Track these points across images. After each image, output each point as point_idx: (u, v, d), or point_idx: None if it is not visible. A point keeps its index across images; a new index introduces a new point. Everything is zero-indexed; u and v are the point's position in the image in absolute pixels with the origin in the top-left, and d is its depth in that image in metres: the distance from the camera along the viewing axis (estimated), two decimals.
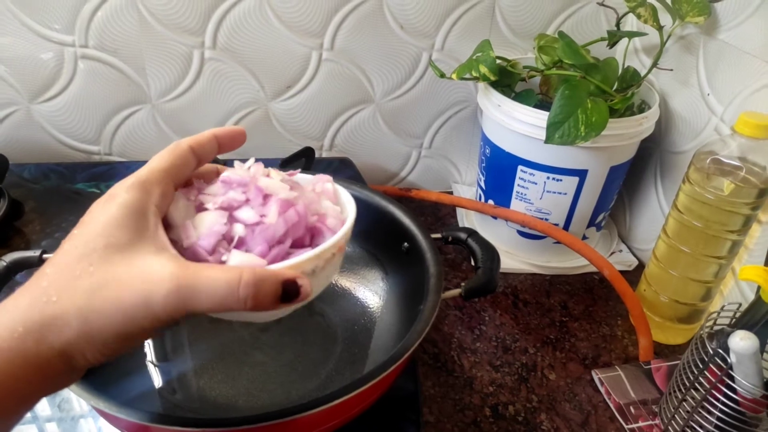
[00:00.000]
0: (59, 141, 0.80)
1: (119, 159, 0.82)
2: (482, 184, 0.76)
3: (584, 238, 0.74)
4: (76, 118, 0.78)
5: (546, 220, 0.71)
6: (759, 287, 0.46)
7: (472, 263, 0.73)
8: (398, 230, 0.52)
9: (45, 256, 0.47)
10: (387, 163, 0.88)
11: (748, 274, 0.46)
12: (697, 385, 0.49)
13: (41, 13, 0.69)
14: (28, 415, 0.51)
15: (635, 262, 0.76)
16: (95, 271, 0.27)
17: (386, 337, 0.52)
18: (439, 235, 0.52)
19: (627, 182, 0.75)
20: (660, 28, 0.63)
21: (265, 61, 0.76)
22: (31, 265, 0.47)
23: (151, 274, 0.27)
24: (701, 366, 0.49)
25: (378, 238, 0.56)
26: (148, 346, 0.52)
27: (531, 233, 0.73)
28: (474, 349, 0.63)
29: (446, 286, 0.46)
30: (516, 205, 0.72)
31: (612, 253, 0.77)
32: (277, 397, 0.47)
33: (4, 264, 0.46)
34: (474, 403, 0.57)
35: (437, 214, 0.85)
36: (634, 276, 0.72)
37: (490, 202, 0.75)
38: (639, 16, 0.62)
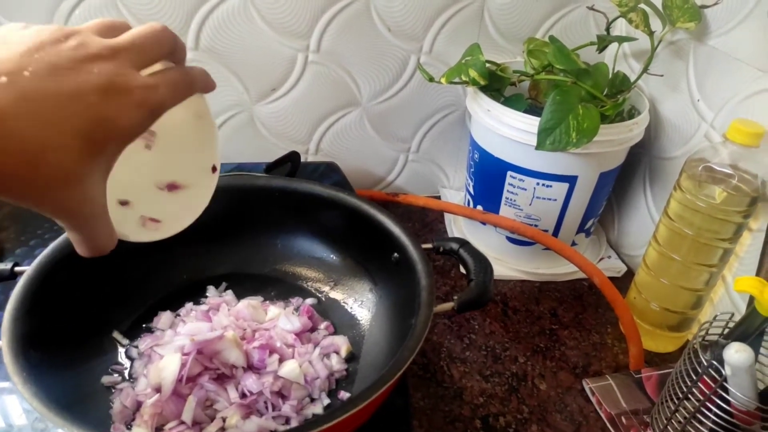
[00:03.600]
0: None
1: None
2: (471, 189, 0.75)
3: (573, 244, 0.73)
4: None
5: (535, 226, 0.70)
6: (752, 298, 0.46)
7: (463, 272, 0.72)
8: (388, 240, 0.51)
9: (17, 269, 0.45)
10: (374, 167, 0.86)
11: (743, 285, 0.45)
12: (689, 396, 0.49)
13: (15, 13, 0.67)
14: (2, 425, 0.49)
15: (624, 269, 0.75)
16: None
17: (376, 352, 0.50)
18: (430, 246, 0.51)
19: (616, 188, 0.75)
20: (651, 34, 0.62)
21: (250, 62, 0.74)
22: (2, 278, 0.45)
23: None
24: (694, 377, 0.48)
25: (366, 248, 0.55)
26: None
27: (520, 239, 0.72)
28: (463, 358, 0.62)
29: (437, 295, 0.45)
30: (505, 211, 0.71)
31: (601, 259, 0.77)
32: None
33: None
34: (464, 415, 0.55)
35: (425, 219, 0.84)
36: (622, 282, 0.71)
37: (479, 207, 0.74)
38: (630, 21, 0.61)
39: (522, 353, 0.63)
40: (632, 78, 0.68)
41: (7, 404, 0.50)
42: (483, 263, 0.47)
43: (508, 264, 0.74)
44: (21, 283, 0.43)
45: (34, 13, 0.67)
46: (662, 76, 0.68)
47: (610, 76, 0.67)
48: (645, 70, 0.64)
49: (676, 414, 0.50)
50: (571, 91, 0.60)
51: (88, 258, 0.30)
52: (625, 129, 0.63)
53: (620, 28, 0.76)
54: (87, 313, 0.48)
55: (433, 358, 0.61)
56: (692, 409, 0.48)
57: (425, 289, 0.44)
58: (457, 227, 0.80)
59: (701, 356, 0.47)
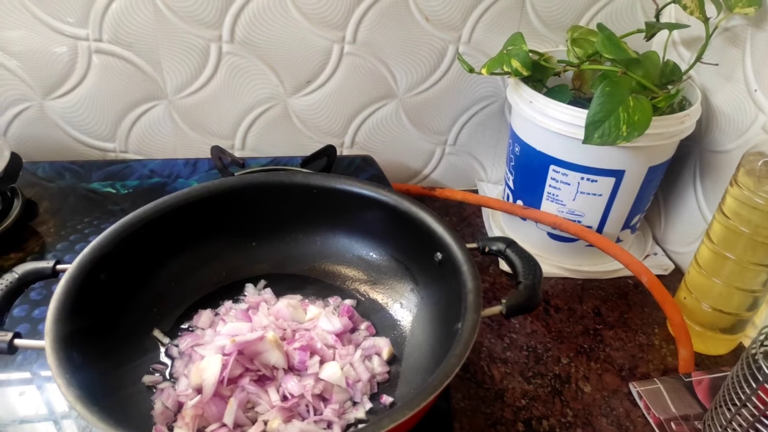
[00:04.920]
0: (74, 138, 0.77)
1: (135, 156, 0.79)
2: (510, 183, 0.73)
3: (618, 240, 0.71)
4: (91, 115, 0.75)
5: (579, 222, 0.68)
6: None
7: (506, 270, 0.70)
8: (430, 239, 0.49)
9: (59, 267, 0.45)
10: (410, 160, 0.85)
11: None
12: (748, 404, 0.46)
13: (54, 6, 0.67)
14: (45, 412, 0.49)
15: (672, 266, 0.72)
16: None
17: (418, 354, 0.49)
18: (474, 245, 0.49)
19: (663, 182, 0.72)
20: (706, 20, 0.59)
21: (285, 55, 0.73)
22: (44, 277, 0.45)
23: None
24: (754, 384, 0.46)
25: (408, 247, 0.53)
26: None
27: (562, 236, 0.70)
28: (504, 358, 0.60)
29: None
30: (547, 206, 0.68)
31: (647, 256, 0.74)
32: None
33: (16, 276, 0.43)
34: (506, 418, 0.54)
35: (462, 213, 0.82)
36: (670, 281, 0.69)
37: (519, 202, 0.72)
38: (685, 8, 0.58)
39: (565, 354, 0.61)
40: (683, 67, 0.64)
41: (50, 393, 0.50)
42: (532, 265, 0.45)
43: (550, 261, 0.72)
44: (62, 282, 0.43)
45: (71, 8, 0.67)
46: (717, 65, 0.64)
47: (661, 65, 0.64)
48: (698, 58, 0.61)
49: (732, 422, 0.48)
50: (621, 82, 0.57)
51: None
52: (676, 121, 0.60)
53: (669, 14, 0.72)
54: (128, 312, 0.48)
55: (473, 357, 0.60)
56: (751, 419, 0.46)
57: (472, 292, 0.42)
58: (495, 222, 0.78)
59: (762, 363, 0.45)
